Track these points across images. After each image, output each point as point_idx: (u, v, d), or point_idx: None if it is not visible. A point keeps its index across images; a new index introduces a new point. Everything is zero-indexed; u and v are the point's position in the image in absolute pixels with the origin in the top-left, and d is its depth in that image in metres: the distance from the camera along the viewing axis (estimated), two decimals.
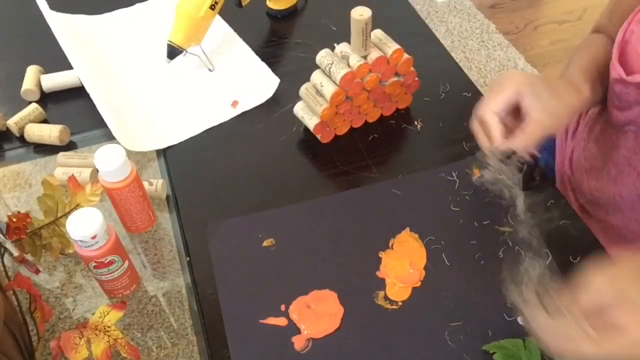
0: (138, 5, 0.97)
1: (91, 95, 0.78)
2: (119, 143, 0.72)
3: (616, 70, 0.60)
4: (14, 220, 0.60)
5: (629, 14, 0.65)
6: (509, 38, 2.10)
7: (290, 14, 0.95)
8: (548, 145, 0.89)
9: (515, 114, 0.62)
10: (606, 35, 0.72)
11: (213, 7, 0.81)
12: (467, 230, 0.66)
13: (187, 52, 0.82)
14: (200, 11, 0.80)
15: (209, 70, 0.85)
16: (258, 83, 0.84)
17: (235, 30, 0.92)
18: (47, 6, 0.89)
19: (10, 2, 0.98)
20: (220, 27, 0.91)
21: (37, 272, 0.62)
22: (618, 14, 0.72)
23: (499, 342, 0.57)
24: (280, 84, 0.83)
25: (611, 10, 0.73)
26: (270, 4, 0.94)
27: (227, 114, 0.80)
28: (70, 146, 0.77)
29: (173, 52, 0.81)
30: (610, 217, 0.71)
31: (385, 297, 0.61)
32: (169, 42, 0.81)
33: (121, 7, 0.96)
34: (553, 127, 0.63)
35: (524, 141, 0.61)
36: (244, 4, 0.88)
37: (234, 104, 0.81)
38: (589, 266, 0.47)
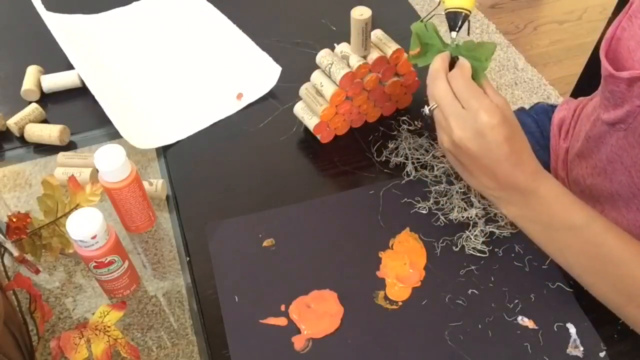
0: (135, 3, 0.97)
1: (95, 96, 0.78)
2: (121, 142, 0.72)
3: (604, 66, 0.60)
4: (14, 220, 0.60)
5: None
6: (509, 38, 2.10)
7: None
8: (544, 144, 0.89)
9: None
10: None
11: None
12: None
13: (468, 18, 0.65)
14: None
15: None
16: (260, 73, 0.84)
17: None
18: (43, 7, 0.89)
19: (10, 2, 0.98)
20: (217, 19, 0.91)
21: (37, 272, 0.62)
22: None
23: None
24: (280, 84, 0.83)
25: None
26: None
27: (233, 107, 0.81)
28: (70, 146, 0.77)
29: (456, 18, 0.64)
30: (607, 213, 0.71)
31: (385, 297, 0.61)
32: (447, 11, 0.64)
33: (118, 6, 0.96)
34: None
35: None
36: None
37: (239, 96, 0.81)
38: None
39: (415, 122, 0.78)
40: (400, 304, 0.61)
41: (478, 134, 0.57)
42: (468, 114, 0.58)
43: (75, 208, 0.62)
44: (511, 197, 0.59)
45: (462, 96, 0.59)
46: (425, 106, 0.62)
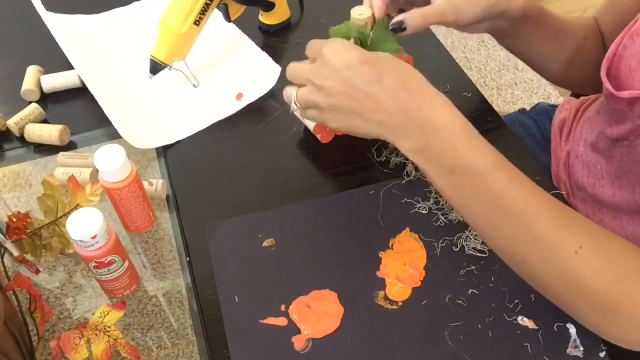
0: (135, 3, 0.97)
1: (95, 96, 0.78)
2: (122, 142, 0.72)
3: (604, 85, 0.60)
4: (14, 220, 0.60)
5: (623, 15, 0.65)
6: None
7: (283, 28, 0.94)
8: (545, 147, 0.89)
9: None
10: (597, 23, 0.74)
11: (197, 22, 0.78)
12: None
13: (171, 67, 0.80)
14: (183, 27, 0.77)
15: (194, 86, 0.84)
16: (260, 73, 0.84)
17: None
18: (43, 7, 0.89)
19: (10, 2, 0.98)
20: (217, 19, 0.91)
21: (37, 272, 0.62)
22: (611, 12, 0.73)
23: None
24: (280, 84, 0.83)
25: (605, 6, 0.74)
26: (262, 19, 0.92)
27: (233, 108, 0.81)
28: (70, 146, 0.77)
29: (156, 67, 0.79)
30: (607, 223, 0.71)
31: (385, 297, 0.61)
32: (151, 58, 0.79)
33: (118, 6, 0.96)
34: (458, 14, 0.64)
35: (418, 17, 0.63)
36: (232, 18, 0.86)
37: (239, 96, 0.81)
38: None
39: None
40: (400, 304, 0.61)
41: (333, 68, 0.56)
42: (319, 61, 0.58)
43: (75, 208, 0.62)
44: (407, 129, 0.55)
45: (311, 55, 0.59)
46: (292, 104, 0.62)
